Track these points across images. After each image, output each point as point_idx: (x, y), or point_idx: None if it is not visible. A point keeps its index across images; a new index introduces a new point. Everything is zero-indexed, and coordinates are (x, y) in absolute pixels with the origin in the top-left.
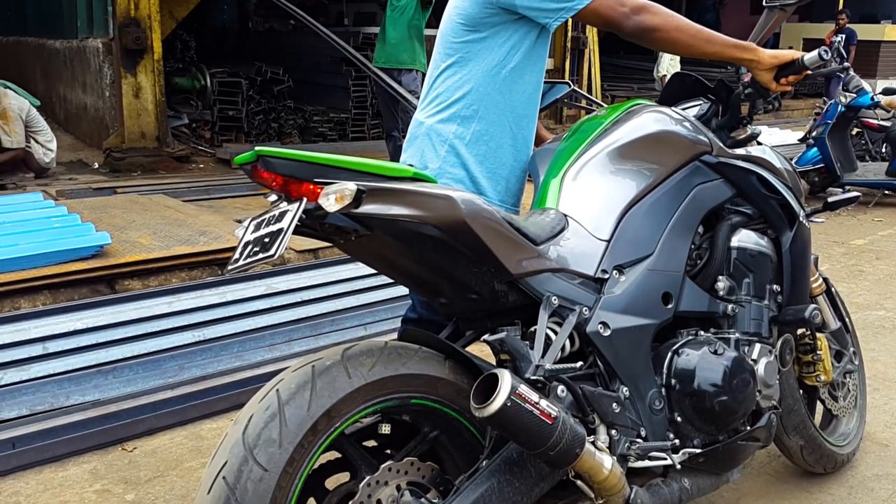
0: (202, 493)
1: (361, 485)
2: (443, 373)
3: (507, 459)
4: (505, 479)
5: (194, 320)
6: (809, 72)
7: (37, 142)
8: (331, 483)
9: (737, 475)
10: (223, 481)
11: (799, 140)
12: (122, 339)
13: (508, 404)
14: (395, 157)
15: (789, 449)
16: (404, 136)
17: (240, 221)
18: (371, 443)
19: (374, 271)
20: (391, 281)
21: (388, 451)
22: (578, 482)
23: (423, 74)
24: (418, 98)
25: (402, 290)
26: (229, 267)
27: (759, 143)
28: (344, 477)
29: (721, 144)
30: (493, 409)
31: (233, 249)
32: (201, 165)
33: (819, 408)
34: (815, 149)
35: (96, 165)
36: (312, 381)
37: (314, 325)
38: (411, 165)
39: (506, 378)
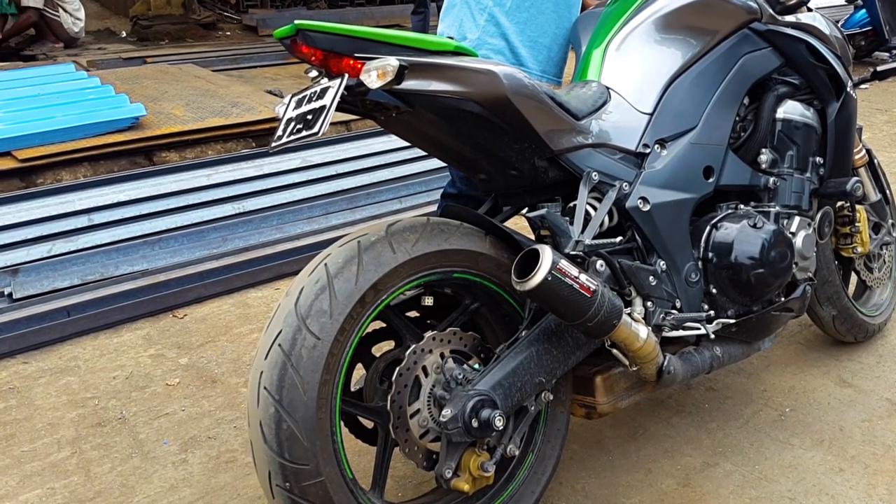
0: (259, 359)
1: (407, 352)
2: (483, 248)
3: (546, 329)
4: (543, 347)
5: (233, 192)
6: None
7: (65, 10)
8: (377, 350)
9: (768, 344)
10: (279, 348)
11: (846, 1)
12: (165, 211)
13: (549, 278)
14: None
15: (821, 319)
16: (438, 7)
17: (271, 92)
18: (414, 314)
19: (407, 144)
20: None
21: (430, 322)
22: (614, 351)
23: None
24: None
25: (437, 164)
26: (273, 143)
27: (808, 10)
28: (389, 345)
29: (771, 11)
30: (535, 284)
31: (266, 122)
32: (228, 33)
33: (853, 278)
34: (863, 10)
35: (124, 34)
36: (359, 255)
37: (350, 199)
38: (451, 38)
39: (547, 253)
